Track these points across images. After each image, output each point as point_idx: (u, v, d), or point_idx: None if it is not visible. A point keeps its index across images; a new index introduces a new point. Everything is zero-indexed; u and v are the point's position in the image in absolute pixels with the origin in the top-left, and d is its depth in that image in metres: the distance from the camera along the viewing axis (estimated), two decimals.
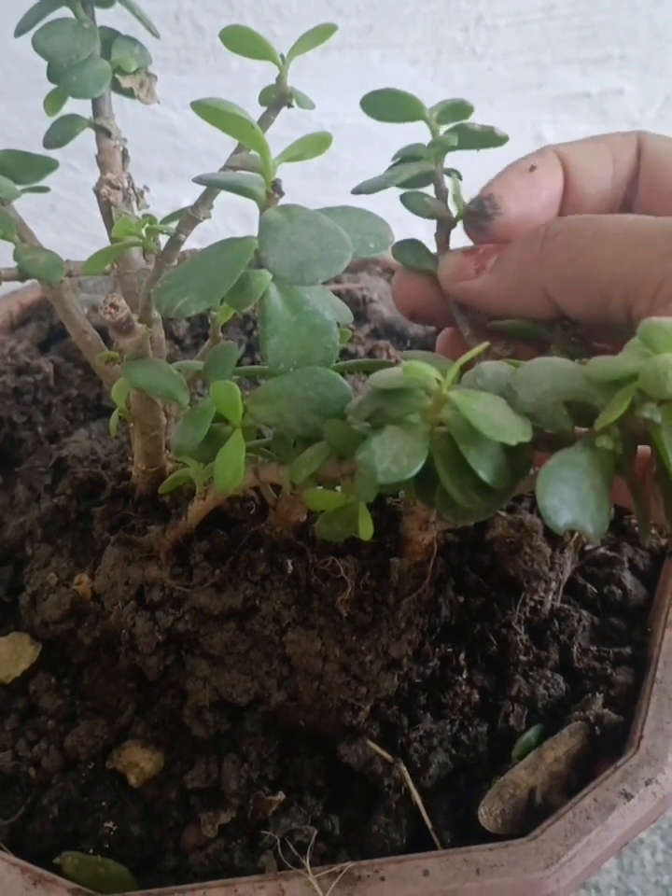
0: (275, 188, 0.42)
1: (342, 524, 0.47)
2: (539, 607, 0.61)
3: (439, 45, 1.05)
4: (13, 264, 0.54)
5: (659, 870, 0.89)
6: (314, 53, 0.51)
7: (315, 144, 0.44)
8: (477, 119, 0.54)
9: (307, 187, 1.03)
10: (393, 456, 0.36)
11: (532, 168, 0.53)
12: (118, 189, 0.54)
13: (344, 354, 0.77)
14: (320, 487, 0.47)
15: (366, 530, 0.45)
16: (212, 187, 0.47)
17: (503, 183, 0.52)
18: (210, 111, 0.41)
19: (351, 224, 0.47)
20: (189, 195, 1.14)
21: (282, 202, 0.43)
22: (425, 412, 0.38)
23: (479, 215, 0.51)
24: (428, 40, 1.05)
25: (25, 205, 0.59)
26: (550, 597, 0.62)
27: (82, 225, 1.04)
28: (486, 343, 0.41)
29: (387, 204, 0.53)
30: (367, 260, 0.89)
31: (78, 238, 1.08)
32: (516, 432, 0.36)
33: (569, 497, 0.35)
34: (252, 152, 0.44)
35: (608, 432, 0.37)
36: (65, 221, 1.05)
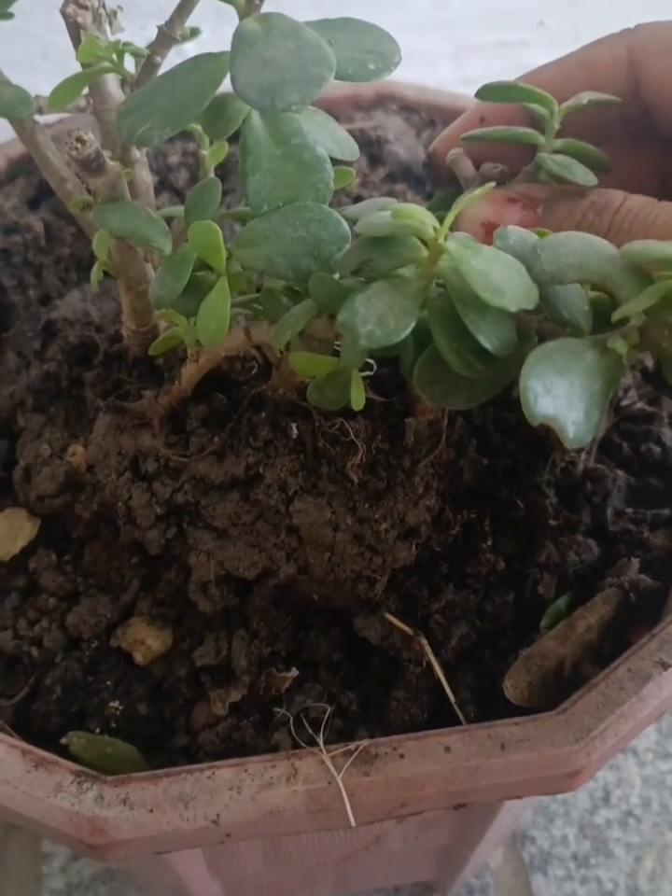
0: None
1: (334, 390, 0.42)
2: (570, 468, 0.57)
3: None
4: None
5: None
6: None
7: None
8: None
9: (317, 18, 0.95)
10: (378, 317, 0.31)
11: (482, 119, 0.51)
12: (86, 8, 0.48)
13: (357, 199, 0.71)
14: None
15: (358, 399, 0.40)
16: None
17: (446, 139, 0.52)
18: None
19: (349, 40, 0.41)
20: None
21: None
22: (419, 264, 0.32)
23: (425, 168, 0.53)
24: None
25: (12, 52, 0.53)
26: (582, 457, 0.57)
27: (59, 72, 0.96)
28: (491, 184, 0.36)
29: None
30: (383, 96, 0.81)
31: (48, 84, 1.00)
32: (518, 297, 0.31)
33: (557, 389, 0.30)
34: None
35: (625, 334, 0.31)
36: (58, 70, 0.97)
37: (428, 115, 0.80)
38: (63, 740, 0.50)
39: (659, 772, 0.86)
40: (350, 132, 0.74)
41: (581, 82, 0.48)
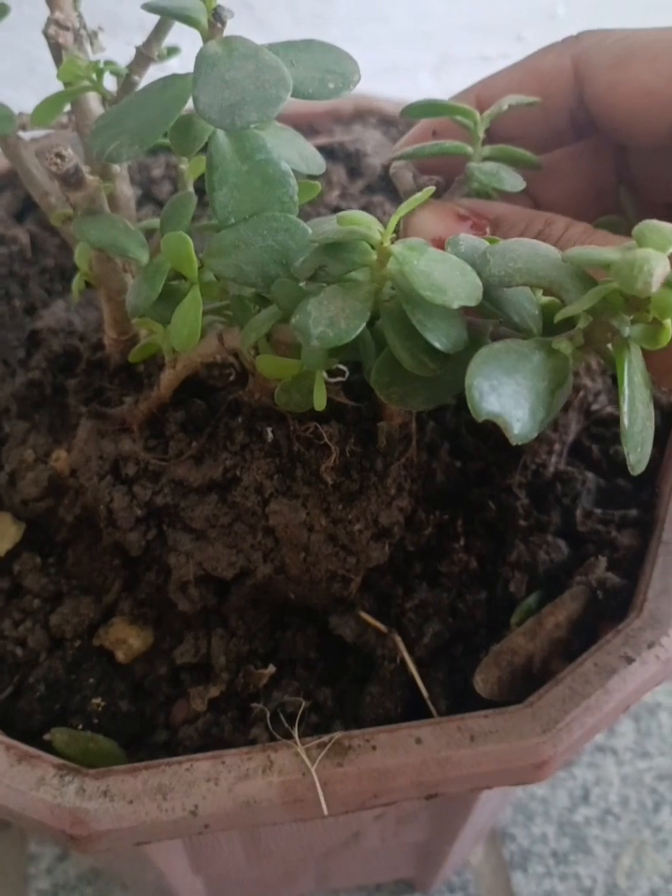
0: (217, 16, 0.38)
1: (300, 393, 0.43)
2: (541, 470, 0.58)
3: None
4: None
5: None
6: None
7: None
8: None
9: (297, 34, 0.96)
10: (330, 319, 0.33)
11: (434, 133, 0.52)
12: (67, 29, 0.49)
13: (336, 211, 0.73)
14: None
15: (319, 400, 0.42)
16: (160, 15, 0.42)
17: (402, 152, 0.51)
18: None
19: (312, 61, 0.42)
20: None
21: None
22: (369, 267, 0.34)
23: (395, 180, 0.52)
24: None
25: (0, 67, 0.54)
26: (553, 460, 0.59)
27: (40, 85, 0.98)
28: (431, 188, 0.37)
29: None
30: (362, 110, 0.83)
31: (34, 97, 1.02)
32: (460, 295, 0.32)
33: (503, 387, 0.31)
34: None
35: (571, 336, 0.33)
36: (45, 85, 0.99)
37: (406, 128, 0.82)
38: (47, 736, 0.51)
39: (637, 771, 0.87)
40: (329, 145, 0.77)
41: (531, 90, 0.50)
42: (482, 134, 0.49)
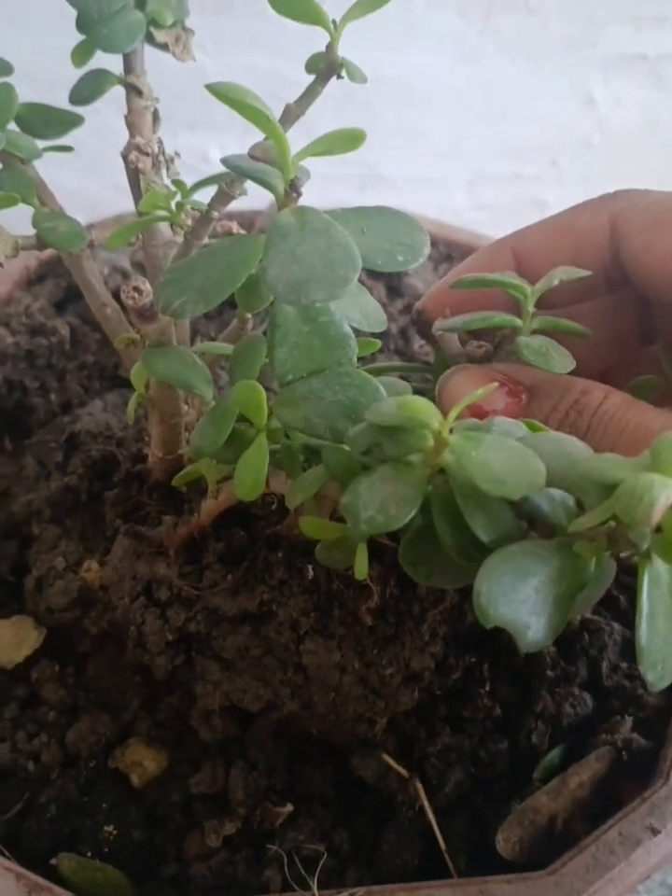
0: (293, 187, 0.38)
1: (342, 553, 0.43)
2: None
3: None
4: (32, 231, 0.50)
5: (666, 869, 0.87)
6: None
7: (345, 140, 0.40)
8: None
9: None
10: (380, 503, 0.32)
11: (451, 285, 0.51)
12: (147, 154, 0.50)
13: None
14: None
15: (361, 570, 0.41)
16: (235, 172, 0.42)
17: (433, 297, 0.53)
18: (227, 98, 0.37)
19: (383, 229, 0.43)
20: (216, 145, 1.09)
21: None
22: (425, 453, 0.33)
23: (414, 323, 0.54)
24: None
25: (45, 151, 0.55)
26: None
27: (104, 172, 0.99)
28: (495, 384, 0.37)
29: None
30: None
31: (100, 185, 1.03)
32: (521, 484, 0.31)
33: (515, 593, 0.30)
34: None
35: (591, 538, 0.32)
36: (87, 167, 1.00)
37: (447, 249, 0.83)
38: (54, 861, 0.49)
39: None
40: None
41: (565, 245, 0.51)
42: (531, 308, 0.49)
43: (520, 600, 0.31)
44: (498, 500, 0.33)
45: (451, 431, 0.34)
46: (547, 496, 0.34)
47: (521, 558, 0.32)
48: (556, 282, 0.48)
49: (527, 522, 0.35)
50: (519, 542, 0.32)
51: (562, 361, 0.46)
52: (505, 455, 0.33)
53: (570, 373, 0.48)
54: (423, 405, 0.34)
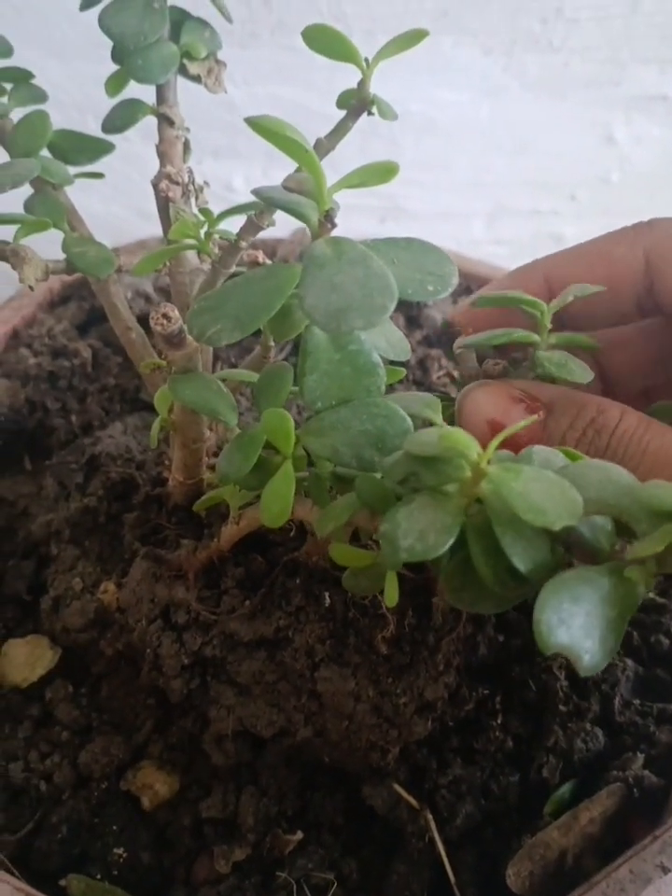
0: (328, 217, 0.39)
1: (369, 580, 0.43)
2: None
3: (514, 35, 1.00)
4: (61, 255, 0.51)
5: None
6: (383, 34, 0.46)
7: (379, 173, 0.41)
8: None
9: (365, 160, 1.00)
10: (419, 532, 0.33)
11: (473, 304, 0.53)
12: (177, 184, 0.51)
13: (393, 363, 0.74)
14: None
15: (391, 597, 0.41)
16: (268, 203, 0.43)
17: (461, 311, 0.54)
18: (265, 131, 0.37)
19: (413, 260, 0.43)
20: (241, 173, 1.10)
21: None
22: (463, 483, 0.34)
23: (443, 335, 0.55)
24: (504, 30, 1.00)
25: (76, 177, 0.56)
26: None
27: (129, 197, 1.01)
28: (535, 416, 0.38)
29: None
30: None
31: (126, 210, 1.05)
32: (562, 514, 0.32)
33: (573, 619, 0.31)
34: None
35: (642, 561, 0.33)
36: (113, 192, 1.02)
37: (465, 281, 0.84)
38: (63, 882, 0.50)
39: None
40: None
41: (601, 274, 0.51)
42: (548, 324, 0.50)
43: (577, 626, 0.31)
44: (535, 529, 0.33)
45: (488, 462, 0.34)
46: (588, 523, 0.35)
47: (575, 585, 0.32)
48: (571, 298, 0.49)
49: (565, 548, 0.35)
50: (572, 569, 0.33)
51: (580, 372, 0.47)
52: (544, 485, 0.34)
53: (611, 390, 0.48)
54: (462, 437, 0.34)
